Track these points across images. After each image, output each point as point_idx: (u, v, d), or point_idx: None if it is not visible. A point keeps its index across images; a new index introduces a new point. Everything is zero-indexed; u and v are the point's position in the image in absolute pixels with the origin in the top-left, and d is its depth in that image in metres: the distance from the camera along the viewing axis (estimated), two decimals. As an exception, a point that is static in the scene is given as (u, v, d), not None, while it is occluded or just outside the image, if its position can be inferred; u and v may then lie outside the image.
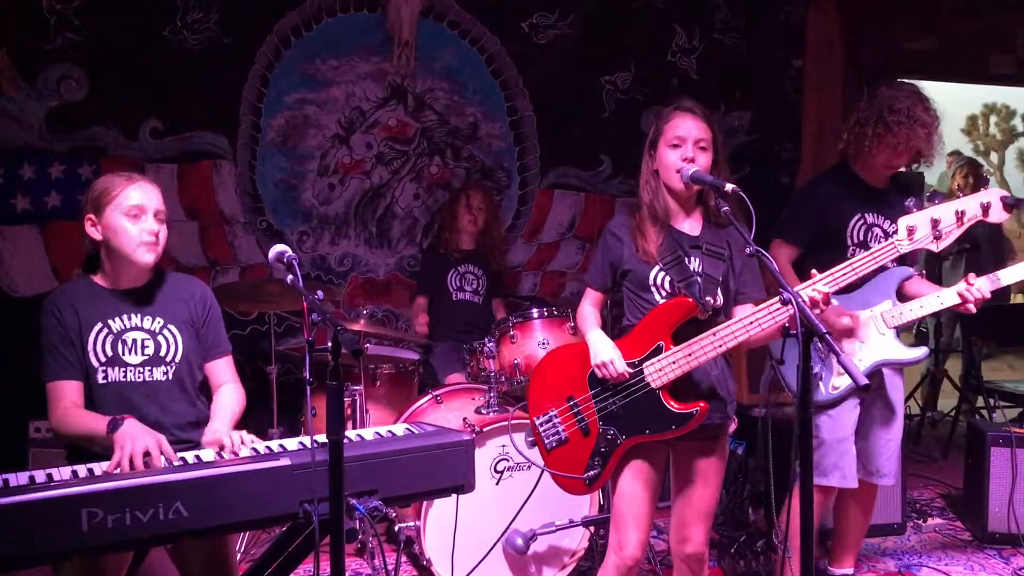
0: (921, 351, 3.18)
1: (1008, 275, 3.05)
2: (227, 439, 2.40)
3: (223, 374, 2.71)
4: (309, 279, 5.13)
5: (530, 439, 2.82)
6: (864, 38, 6.11)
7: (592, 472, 2.69)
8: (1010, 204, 2.67)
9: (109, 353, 2.52)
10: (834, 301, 3.07)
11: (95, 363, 2.51)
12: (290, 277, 2.20)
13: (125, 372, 2.53)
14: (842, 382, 3.12)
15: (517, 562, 3.49)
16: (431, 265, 4.87)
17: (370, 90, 5.27)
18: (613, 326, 2.90)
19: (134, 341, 2.55)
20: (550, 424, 2.74)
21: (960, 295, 2.99)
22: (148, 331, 2.58)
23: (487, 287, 4.79)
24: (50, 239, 4.74)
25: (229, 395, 2.68)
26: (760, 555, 3.72)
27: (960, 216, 2.62)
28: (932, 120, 3.08)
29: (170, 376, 2.58)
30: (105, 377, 2.51)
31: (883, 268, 3.06)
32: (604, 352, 2.63)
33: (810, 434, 2.22)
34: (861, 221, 3.19)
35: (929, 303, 3.06)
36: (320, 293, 2.19)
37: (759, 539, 3.78)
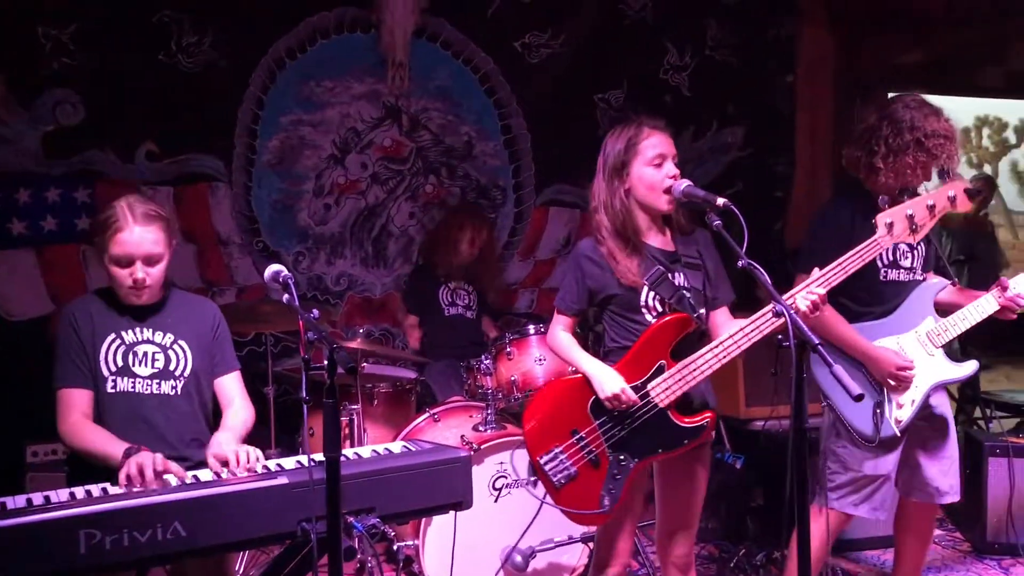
0: (972, 365, 3.13)
1: (1020, 284, 3.07)
2: (232, 455, 2.40)
3: (232, 390, 2.74)
4: (306, 299, 5.14)
5: (534, 478, 2.73)
6: (856, 52, 6.15)
7: (607, 501, 2.61)
8: (972, 193, 2.80)
9: (120, 363, 2.57)
10: (890, 341, 3.05)
11: (105, 372, 2.55)
12: (286, 296, 2.22)
13: (134, 383, 2.57)
14: (905, 414, 3.04)
15: (517, 579, 3.48)
16: (420, 283, 4.84)
17: (365, 110, 5.30)
18: (598, 344, 2.85)
19: (145, 354, 2.60)
20: (557, 462, 2.63)
21: (1004, 305, 3.03)
22: (159, 345, 2.63)
23: (478, 303, 4.79)
24: (46, 263, 4.75)
25: (239, 412, 2.70)
26: (760, 568, 3.72)
27: (931, 209, 2.71)
28: (956, 129, 3.06)
29: (178, 391, 2.63)
30: (115, 386, 2.56)
31: (916, 283, 3.12)
32: (611, 383, 2.57)
33: (806, 446, 2.23)
34: None
35: (970, 315, 3.06)
36: (316, 311, 2.22)
37: (758, 552, 3.78)
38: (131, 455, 2.33)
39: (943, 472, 3.19)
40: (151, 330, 2.63)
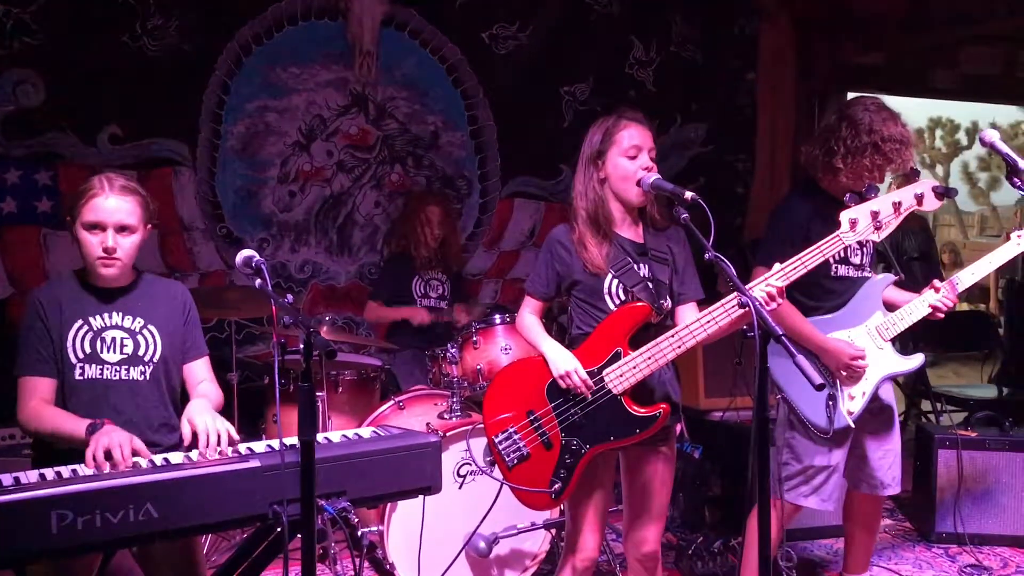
0: (919, 358, 3.23)
1: (965, 278, 3.18)
2: (203, 429, 2.39)
3: (201, 374, 2.74)
4: (270, 286, 5.12)
5: (489, 458, 2.74)
6: (815, 52, 6.27)
7: (557, 485, 2.66)
8: (940, 192, 2.79)
9: (88, 350, 2.54)
10: (841, 335, 3.13)
11: (73, 359, 2.53)
12: (258, 281, 2.23)
13: (102, 370, 2.55)
14: (856, 406, 3.13)
15: (479, 565, 3.52)
16: (394, 273, 4.83)
17: (331, 98, 5.30)
18: (562, 335, 2.89)
19: (113, 339, 2.58)
20: (510, 441, 2.69)
21: (933, 306, 3.12)
22: (128, 330, 2.60)
23: (451, 292, 4.81)
24: (6, 245, 4.68)
25: (208, 390, 2.71)
26: (717, 556, 3.80)
27: (897, 207, 2.72)
28: (911, 134, 3.14)
29: (147, 376, 2.61)
30: (82, 373, 2.53)
31: (865, 279, 3.19)
32: (565, 363, 2.63)
33: (767, 436, 2.28)
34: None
35: (917, 309, 3.15)
36: (290, 296, 2.23)
37: (716, 541, 3.86)
38: (95, 431, 2.32)
39: (887, 464, 3.30)
40: (120, 314, 2.61)
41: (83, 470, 2.23)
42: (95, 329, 2.56)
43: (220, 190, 5.13)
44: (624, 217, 2.75)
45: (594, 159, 2.72)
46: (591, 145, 2.73)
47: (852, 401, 3.14)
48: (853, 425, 3.13)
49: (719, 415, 4.42)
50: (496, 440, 2.70)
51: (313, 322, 4.67)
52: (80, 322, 2.55)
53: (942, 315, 3.16)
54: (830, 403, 3.11)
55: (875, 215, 2.70)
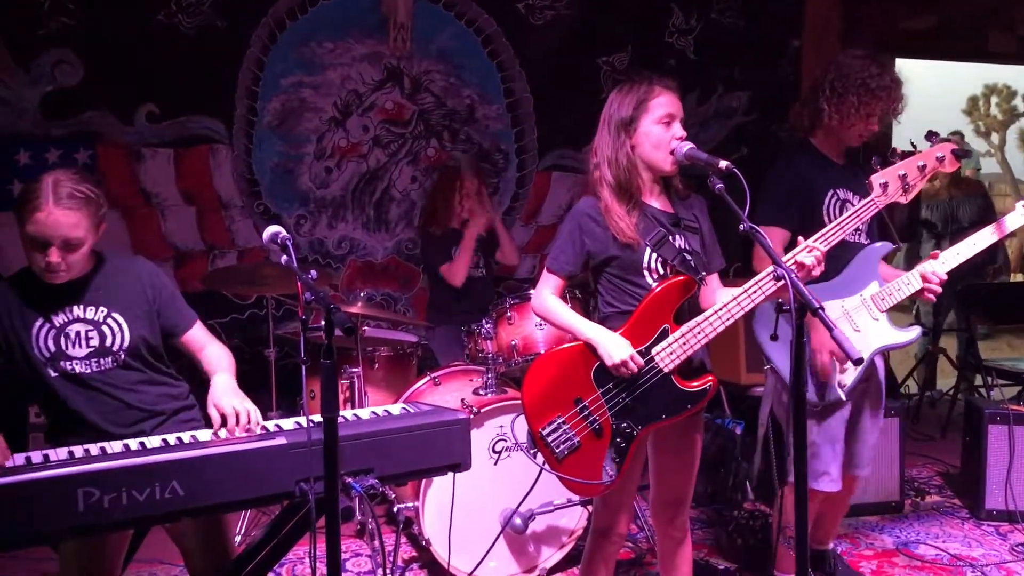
0: (915, 331, 3.13)
1: (950, 258, 3.03)
2: (231, 412, 2.35)
3: (200, 339, 2.66)
4: (307, 263, 5.15)
5: (534, 451, 2.60)
6: (862, 16, 6.08)
7: (610, 470, 2.57)
8: (959, 154, 2.84)
9: (52, 348, 2.45)
10: (835, 304, 3.02)
11: (41, 359, 2.45)
12: (284, 257, 2.20)
13: (72, 365, 2.47)
14: (848, 378, 3.05)
15: (516, 542, 3.50)
16: (433, 246, 4.75)
17: (366, 73, 5.26)
18: (588, 313, 2.80)
19: (77, 334, 2.48)
20: (559, 432, 2.56)
21: (924, 276, 2.98)
22: (91, 322, 2.50)
23: (485, 263, 4.72)
24: (47, 225, 4.72)
25: (216, 353, 2.64)
26: (758, 532, 3.74)
27: (922, 169, 2.79)
28: (901, 83, 3.10)
29: (120, 363, 2.52)
30: (56, 371, 2.46)
31: (860, 247, 3.08)
32: (619, 350, 2.51)
33: (804, 411, 2.22)
34: (834, 197, 3.13)
35: (914, 279, 3.03)
36: (314, 272, 2.20)
37: (757, 518, 3.80)
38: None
39: (870, 443, 3.24)
40: (81, 307, 2.49)
41: (111, 447, 2.23)
42: (57, 326, 2.47)
43: (257, 167, 5.14)
44: (651, 187, 2.68)
45: (625, 125, 2.63)
46: (621, 111, 2.64)
47: (844, 374, 3.06)
48: (844, 398, 3.06)
49: (760, 390, 4.33)
50: (544, 432, 2.57)
51: (352, 298, 4.67)
52: (40, 320, 2.45)
53: (932, 296, 3.02)
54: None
55: (903, 178, 2.76)
